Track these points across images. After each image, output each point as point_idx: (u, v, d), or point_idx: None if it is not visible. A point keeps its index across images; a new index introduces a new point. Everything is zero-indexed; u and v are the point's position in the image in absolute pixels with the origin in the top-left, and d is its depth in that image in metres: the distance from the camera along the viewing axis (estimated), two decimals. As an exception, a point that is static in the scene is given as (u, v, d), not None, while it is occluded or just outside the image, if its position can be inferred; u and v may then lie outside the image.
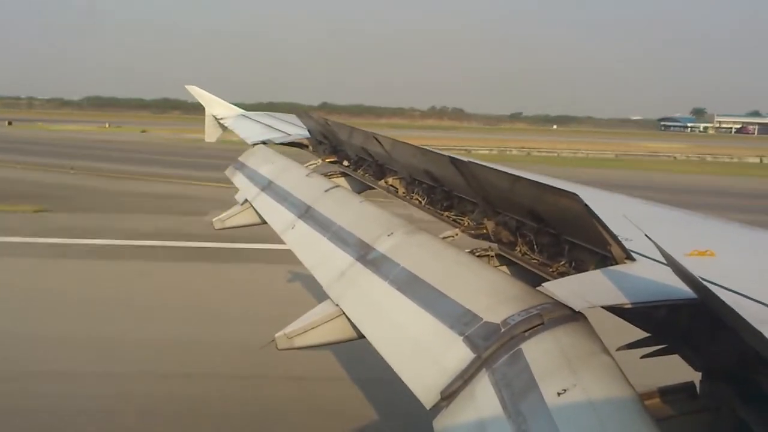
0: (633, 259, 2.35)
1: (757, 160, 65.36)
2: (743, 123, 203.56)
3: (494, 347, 2.17)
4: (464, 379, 2.17)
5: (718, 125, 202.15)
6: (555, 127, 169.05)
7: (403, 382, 2.43)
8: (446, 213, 3.86)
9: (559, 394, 1.80)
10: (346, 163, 6.19)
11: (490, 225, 3.24)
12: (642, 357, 2.27)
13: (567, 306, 2.11)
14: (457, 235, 3.43)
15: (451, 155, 3.49)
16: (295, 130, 8.42)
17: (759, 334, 1.49)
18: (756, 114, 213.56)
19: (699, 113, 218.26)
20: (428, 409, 2.22)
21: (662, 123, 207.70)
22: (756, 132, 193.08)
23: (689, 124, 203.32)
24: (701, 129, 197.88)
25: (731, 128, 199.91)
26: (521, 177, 2.74)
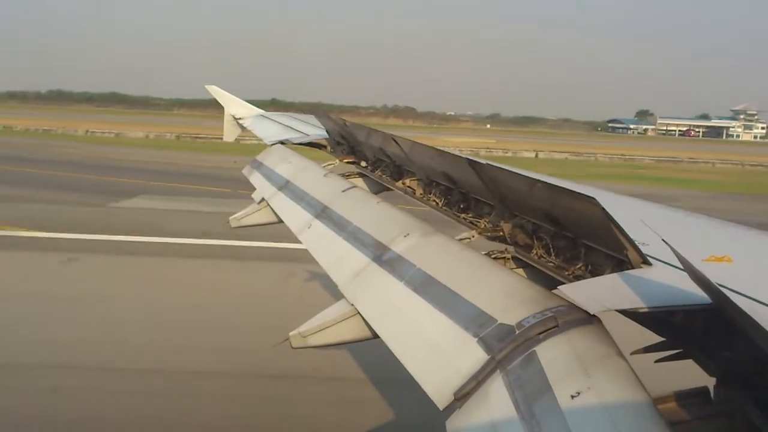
0: (649, 264, 2.34)
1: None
2: (689, 126, 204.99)
3: (508, 349, 2.17)
4: (478, 380, 2.17)
5: (663, 127, 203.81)
6: (488, 126, 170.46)
7: (416, 381, 2.44)
8: (463, 215, 3.87)
9: (572, 396, 1.80)
10: (363, 163, 6.21)
11: (506, 227, 3.24)
12: (656, 361, 2.26)
13: (582, 309, 2.11)
14: (473, 237, 3.43)
15: (470, 157, 3.50)
16: (314, 130, 8.46)
17: None
18: (705, 117, 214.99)
19: (642, 115, 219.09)
20: (441, 409, 2.23)
21: (610, 125, 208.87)
22: (701, 135, 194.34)
23: (632, 126, 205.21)
24: (641, 131, 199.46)
25: (675, 131, 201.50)
26: (538, 180, 2.74)
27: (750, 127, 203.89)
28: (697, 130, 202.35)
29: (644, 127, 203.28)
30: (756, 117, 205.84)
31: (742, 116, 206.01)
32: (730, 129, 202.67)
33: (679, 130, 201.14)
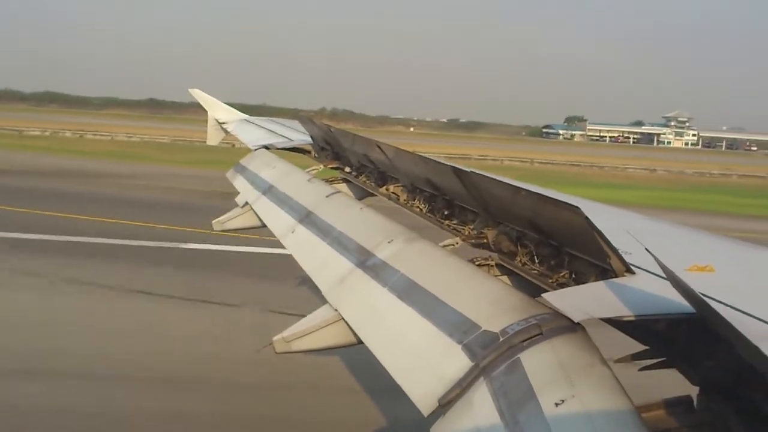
0: (633, 273, 2.36)
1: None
2: (619, 132, 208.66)
3: (492, 356, 2.18)
4: (462, 387, 2.17)
5: (596, 134, 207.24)
6: (412, 129, 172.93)
7: (400, 388, 2.44)
8: (447, 221, 3.87)
9: (556, 404, 1.81)
10: (347, 169, 6.21)
11: (490, 234, 3.25)
12: (640, 370, 2.27)
13: (566, 317, 2.12)
14: (457, 243, 3.44)
15: (454, 165, 3.51)
16: (298, 135, 8.45)
17: (756, 349, 1.50)
18: (639, 123, 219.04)
19: (571, 120, 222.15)
20: (425, 416, 2.23)
21: (544, 130, 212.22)
22: (631, 141, 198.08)
23: (561, 132, 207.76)
24: (568, 136, 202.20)
25: (605, 136, 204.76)
26: (522, 188, 2.76)
27: (681, 134, 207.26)
28: (627, 136, 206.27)
29: (571, 132, 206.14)
30: (687, 124, 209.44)
31: (673, 123, 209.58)
32: (661, 135, 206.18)
33: (610, 137, 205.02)
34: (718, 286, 2.25)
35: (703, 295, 1.81)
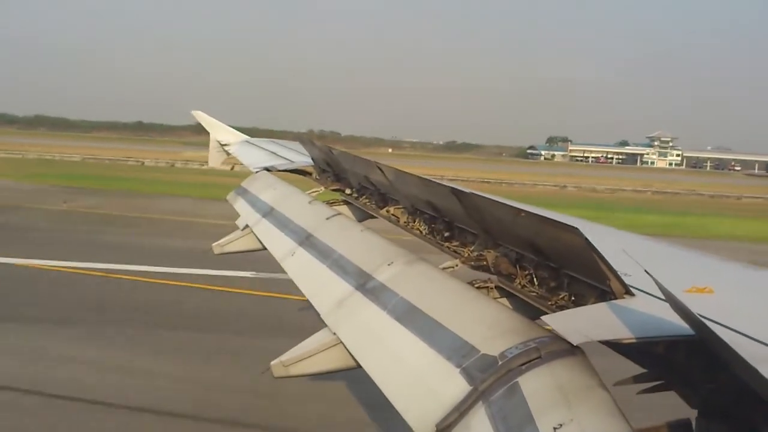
0: (632, 294, 2.35)
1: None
2: (605, 152, 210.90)
3: (491, 380, 2.16)
4: (460, 411, 2.16)
5: (580, 154, 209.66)
6: (390, 150, 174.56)
7: (398, 412, 2.42)
8: (447, 243, 3.87)
9: (555, 428, 1.79)
10: (348, 191, 6.21)
11: (490, 256, 3.24)
12: (638, 393, 2.25)
13: (565, 340, 2.11)
14: (457, 266, 3.43)
15: (453, 186, 3.51)
16: (299, 157, 8.47)
17: (756, 372, 1.49)
18: (625, 144, 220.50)
19: (553, 141, 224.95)
20: None
21: (528, 151, 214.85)
22: (614, 161, 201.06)
23: (543, 153, 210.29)
24: (549, 157, 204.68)
25: (588, 157, 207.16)
26: (522, 210, 2.75)
27: (664, 154, 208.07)
28: (609, 157, 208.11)
29: (552, 153, 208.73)
30: (670, 144, 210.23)
31: (656, 143, 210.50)
32: (645, 156, 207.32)
33: (593, 157, 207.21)
34: (717, 307, 2.24)
35: (702, 317, 1.80)
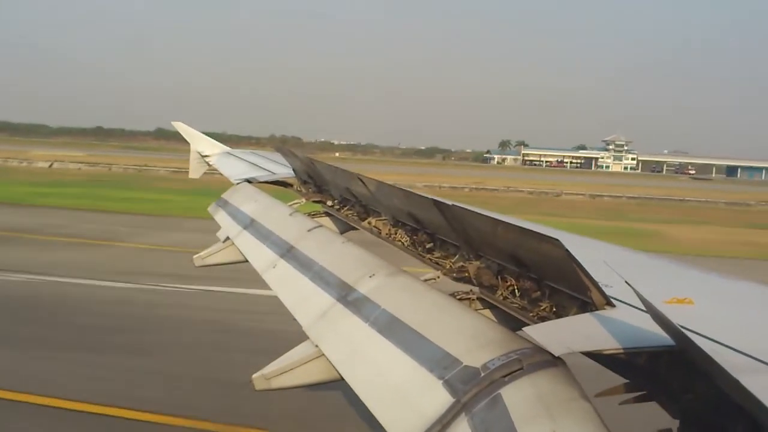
0: (613, 305, 2.36)
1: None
2: (561, 156, 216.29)
3: (474, 392, 2.16)
4: (443, 423, 2.15)
5: (538, 158, 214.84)
6: (337, 155, 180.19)
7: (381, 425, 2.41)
8: (429, 255, 3.87)
9: None
10: (330, 202, 6.20)
11: (471, 268, 3.25)
12: (620, 404, 2.26)
13: (547, 351, 2.12)
14: (438, 277, 3.43)
15: (435, 198, 3.52)
16: (280, 168, 8.44)
17: (736, 383, 1.50)
18: (582, 148, 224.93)
19: (504, 145, 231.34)
20: None
21: (485, 156, 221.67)
22: (568, 165, 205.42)
23: (495, 156, 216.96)
24: (499, 161, 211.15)
25: (541, 161, 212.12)
26: (503, 221, 2.76)
27: (619, 158, 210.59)
28: (563, 161, 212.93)
29: (503, 156, 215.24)
30: (625, 147, 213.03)
31: (611, 147, 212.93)
32: (599, 160, 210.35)
33: (546, 161, 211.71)
34: (697, 318, 2.26)
35: (682, 327, 1.81)
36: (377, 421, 2.45)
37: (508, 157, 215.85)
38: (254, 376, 3.22)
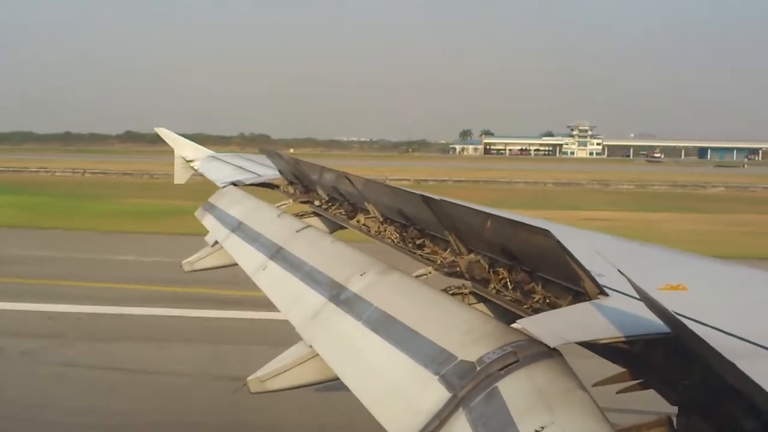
0: (606, 295, 2.36)
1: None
2: (527, 144, 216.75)
3: (470, 386, 2.15)
4: (441, 419, 2.14)
5: (504, 146, 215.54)
6: (291, 151, 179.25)
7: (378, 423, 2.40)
8: (419, 251, 3.85)
9: None
10: (318, 202, 6.18)
11: (463, 263, 3.24)
12: (618, 392, 2.26)
13: (542, 343, 2.11)
14: (430, 273, 3.42)
15: (423, 193, 3.50)
16: (266, 170, 8.40)
17: (733, 367, 1.49)
18: (550, 135, 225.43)
19: (464, 135, 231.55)
20: None
21: (450, 146, 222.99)
22: (532, 153, 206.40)
23: (457, 147, 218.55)
24: (456, 151, 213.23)
25: (506, 150, 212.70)
26: (493, 215, 2.75)
27: (584, 143, 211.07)
28: (526, 149, 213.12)
29: (463, 146, 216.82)
30: (589, 133, 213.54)
31: (575, 132, 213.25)
32: (564, 146, 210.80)
33: (509, 150, 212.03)
34: (691, 304, 2.25)
35: (677, 314, 1.81)
36: (375, 420, 2.43)
37: (469, 147, 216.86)
38: (249, 378, 3.20)
